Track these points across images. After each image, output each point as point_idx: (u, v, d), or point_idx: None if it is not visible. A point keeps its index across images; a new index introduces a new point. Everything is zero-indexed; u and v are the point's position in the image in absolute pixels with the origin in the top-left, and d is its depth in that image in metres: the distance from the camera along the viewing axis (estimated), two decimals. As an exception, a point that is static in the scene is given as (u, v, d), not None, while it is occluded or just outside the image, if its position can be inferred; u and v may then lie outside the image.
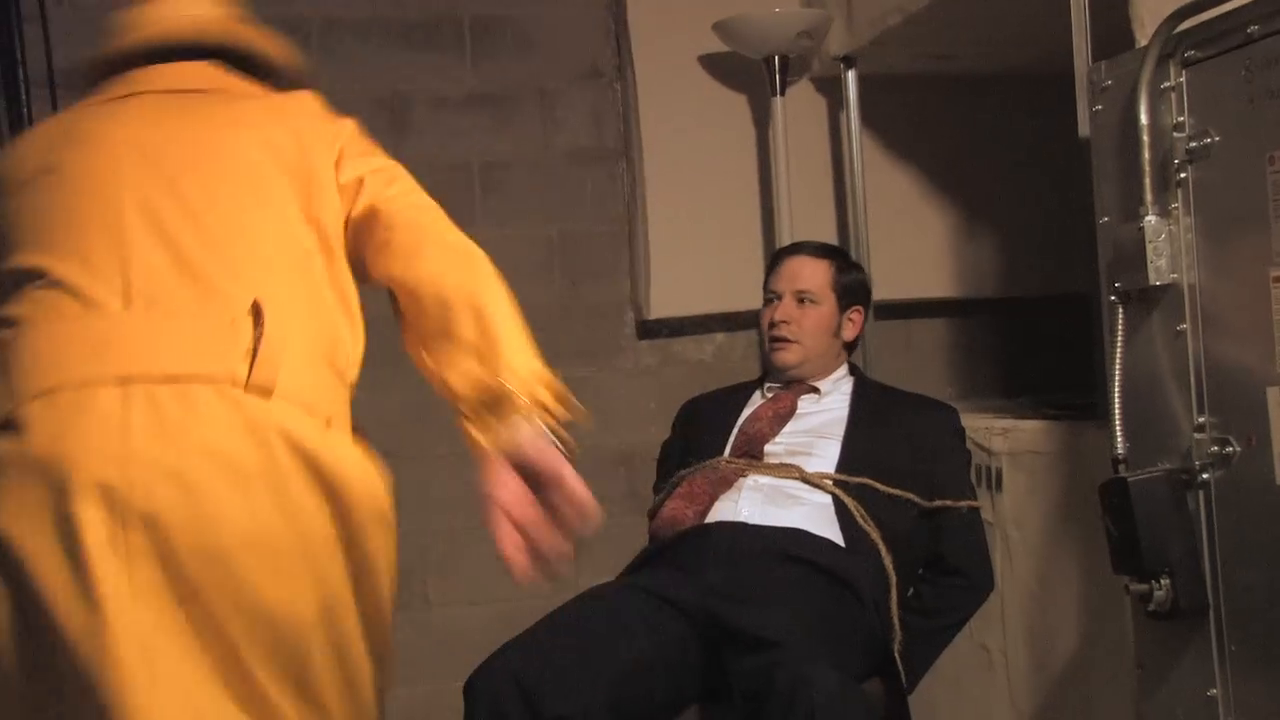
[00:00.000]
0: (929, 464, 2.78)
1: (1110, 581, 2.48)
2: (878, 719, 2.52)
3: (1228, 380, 2.15)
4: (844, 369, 2.98)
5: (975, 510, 2.82)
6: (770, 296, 3.00)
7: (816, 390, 2.90)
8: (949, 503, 2.75)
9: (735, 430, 2.87)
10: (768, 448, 2.78)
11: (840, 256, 3.10)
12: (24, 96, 3.76)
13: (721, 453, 2.81)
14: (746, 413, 2.92)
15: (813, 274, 2.95)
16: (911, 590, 2.75)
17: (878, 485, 2.69)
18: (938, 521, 2.76)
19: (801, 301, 2.92)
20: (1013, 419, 3.14)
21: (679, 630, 2.44)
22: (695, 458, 2.85)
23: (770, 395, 2.92)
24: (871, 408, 2.87)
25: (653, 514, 2.91)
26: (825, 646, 2.27)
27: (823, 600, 2.46)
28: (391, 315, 4.14)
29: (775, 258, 3.10)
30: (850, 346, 3.02)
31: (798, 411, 2.85)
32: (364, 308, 4.16)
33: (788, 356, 2.90)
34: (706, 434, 2.91)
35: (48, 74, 3.79)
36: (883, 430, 2.80)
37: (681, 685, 2.45)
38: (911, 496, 2.71)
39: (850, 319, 2.95)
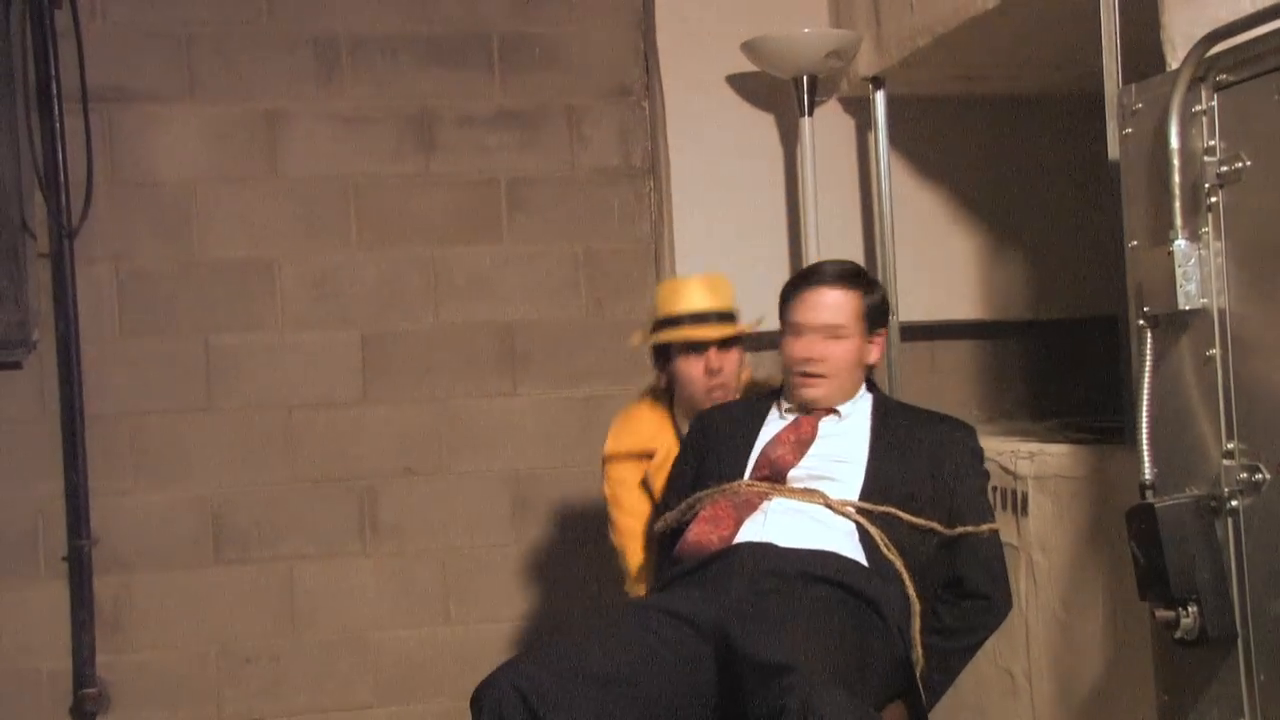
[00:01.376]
0: (949, 487, 2.71)
1: (1136, 608, 2.46)
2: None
3: (1258, 406, 2.12)
4: (863, 387, 2.91)
5: (994, 533, 2.75)
6: (794, 330, 2.82)
7: (837, 413, 2.86)
8: (970, 529, 2.70)
9: (756, 452, 2.80)
10: (791, 473, 2.74)
11: (863, 280, 2.87)
12: (57, 111, 3.80)
13: (741, 475, 2.77)
14: (766, 433, 2.84)
15: (840, 307, 2.78)
16: (931, 610, 2.72)
17: (901, 515, 2.64)
18: (958, 545, 2.71)
19: (830, 336, 2.78)
20: (1039, 443, 3.11)
21: (694, 651, 2.42)
22: (714, 479, 2.79)
23: (790, 419, 2.87)
24: (891, 428, 2.79)
25: (661, 534, 2.89)
26: (841, 670, 2.24)
27: (845, 622, 2.44)
28: (412, 330, 4.16)
29: (794, 286, 2.86)
30: (871, 366, 2.98)
31: (819, 434, 2.83)
32: (390, 321, 4.22)
33: (816, 393, 2.80)
34: (726, 453, 2.84)
35: (81, 88, 3.82)
36: (903, 452, 2.74)
37: (694, 706, 2.44)
38: (935, 526, 2.66)
39: (874, 343, 2.85)
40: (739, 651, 2.34)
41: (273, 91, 4.06)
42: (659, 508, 3.02)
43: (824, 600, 2.48)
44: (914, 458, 2.73)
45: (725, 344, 3.12)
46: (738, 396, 3.13)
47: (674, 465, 3.05)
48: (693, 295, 3.16)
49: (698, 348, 3.10)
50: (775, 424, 2.87)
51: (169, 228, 3.99)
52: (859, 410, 2.85)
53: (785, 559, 2.53)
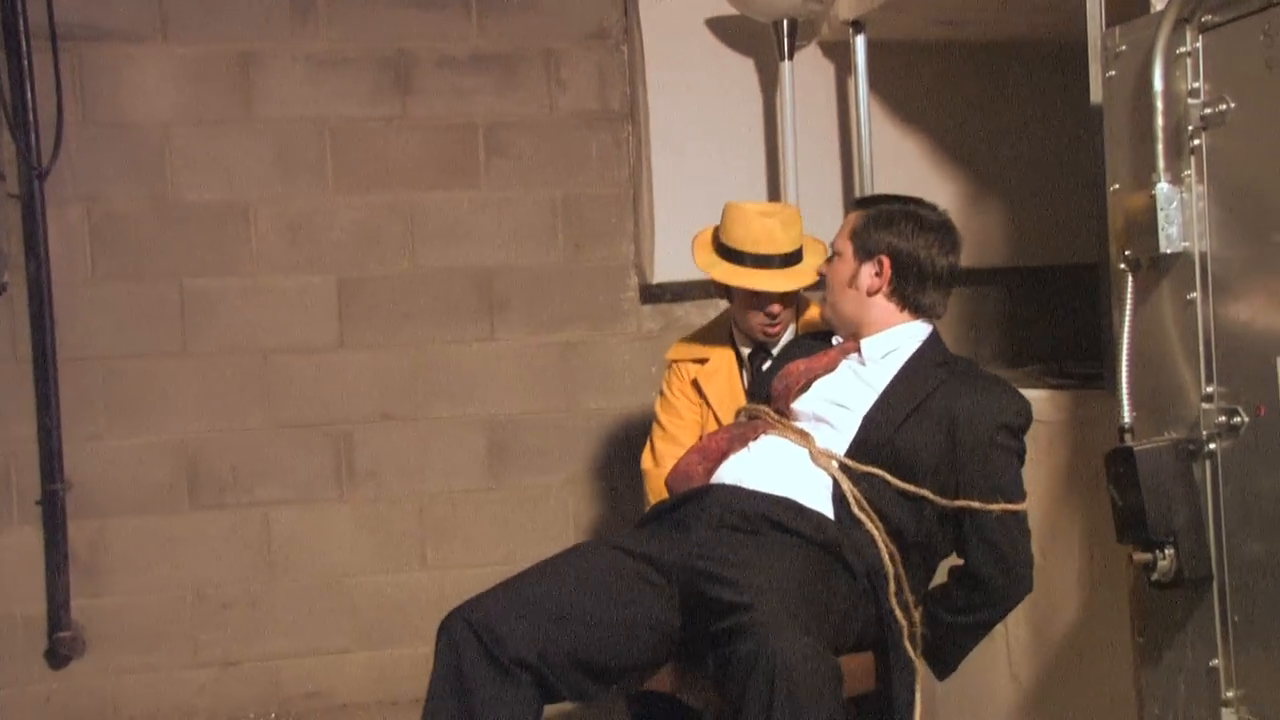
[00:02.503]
0: (960, 458, 2.49)
1: (1112, 552, 2.47)
2: (865, 690, 2.50)
3: (1237, 350, 2.13)
4: (905, 326, 2.66)
5: (1011, 513, 2.49)
6: None
7: (859, 352, 2.66)
8: (974, 505, 2.47)
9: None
10: (796, 405, 2.64)
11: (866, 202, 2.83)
12: (24, 48, 3.73)
13: (767, 397, 2.73)
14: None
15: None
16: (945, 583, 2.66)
17: (888, 478, 2.48)
18: (961, 522, 2.51)
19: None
20: (1019, 388, 3.11)
21: (657, 592, 2.43)
22: (756, 398, 2.79)
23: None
24: (914, 385, 2.56)
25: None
26: (799, 613, 2.22)
27: (806, 567, 2.40)
28: (389, 275, 4.12)
29: None
30: (893, 291, 2.64)
31: (844, 365, 2.66)
32: (366, 266, 4.18)
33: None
34: (775, 371, 2.80)
35: (50, 26, 3.76)
36: (917, 412, 2.53)
37: (656, 645, 2.44)
38: (926, 494, 2.48)
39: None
40: (700, 591, 2.34)
41: (247, 32, 4.00)
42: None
43: (786, 544, 2.44)
44: (930, 420, 2.52)
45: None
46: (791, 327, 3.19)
47: (755, 376, 3.09)
48: (760, 235, 3.11)
49: (759, 297, 3.14)
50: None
51: (142, 169, 3.94)
52: (897, 351, 2.63)
53: (749, 501, 2.51)
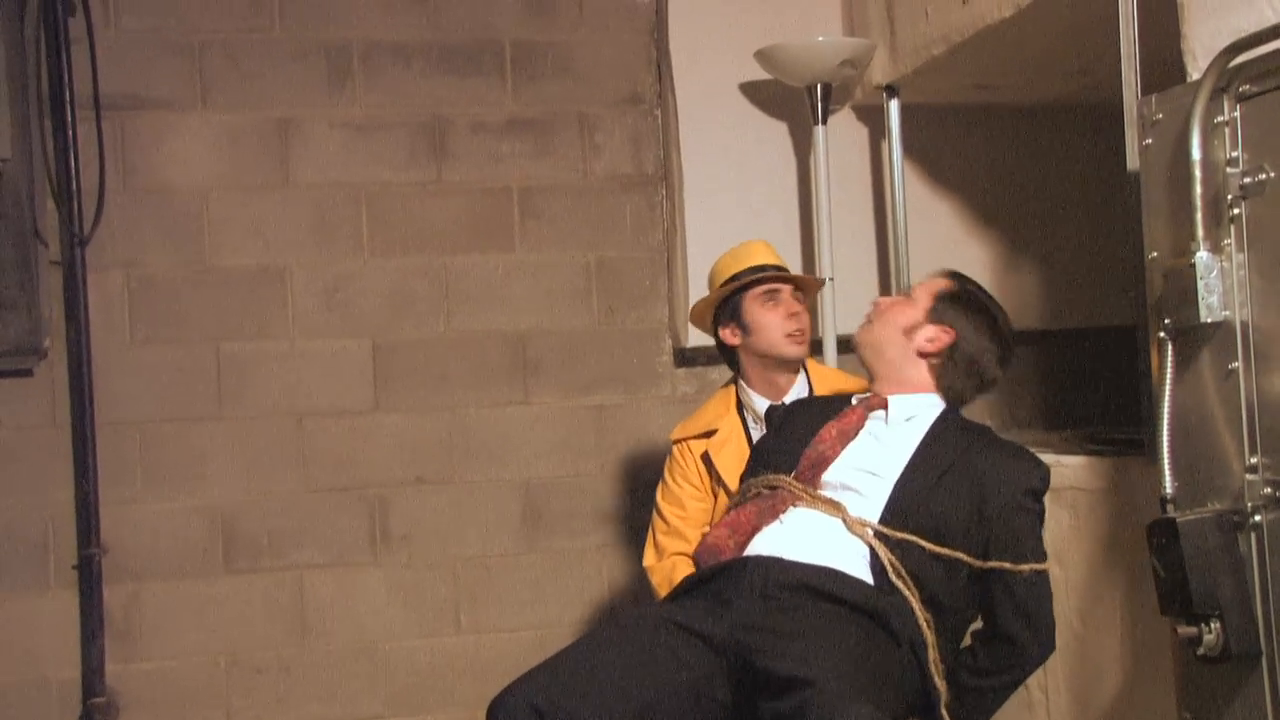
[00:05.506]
0: (990, 521, 2.53)
1: (1156, 622, 2.44)
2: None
3: (1281, 420, 2.10)
4: (929, 395, 2.72)
5: (1038, 574, 2.55)
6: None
7: (886, 405, 2.69)
8: (1006, 566, 2.51)
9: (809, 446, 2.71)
10: (825, 476, 2.64)
11: None
12: (70, 118, 3.80)
13: (792, 467, 2.68)
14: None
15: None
16: (970, 645, 2.65)
17: (923, 543, 2.50)
18: (991, 582, 2.54)
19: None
20: (1056, 454, 3.08)
21: (707, 666, 2.40)
22: (771, 465, 2.73)
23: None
24: (943, 447, 2.61)
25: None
26: (859, 682, 2.22)
27: (856, 636, 2.40)
28: (424, 339, 4.15)
29: None
30: (939, 365, 2.71)
31: (865, 431, 2.68)
32: (401, 330, 4.20)
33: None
34: (791, 439, 2.76)
35: (94, 96, 3.82)
36: (946, 476, 2.57)
37: (708, 718, 2.42)
38: (961, 556, 2.50)
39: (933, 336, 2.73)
40: (754, 665, 2.32)
41: (285, 99, 4.05)
42: (742, 475, 2.93)
43: (833, 614, 2.43)
44: (958, 484, 2.56)
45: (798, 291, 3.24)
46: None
47: (755, 444, 3.04)
48: (749, 254, 3.26)
49: (773, 294, 3.18)
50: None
51: (181, 235, 3.98)
52: (921, 420, 2.68)
53: (790, 572, 2.49)
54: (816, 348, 3.77)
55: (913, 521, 2.53)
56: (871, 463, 2.63)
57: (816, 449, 2.68)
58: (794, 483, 2.65)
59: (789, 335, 3.17)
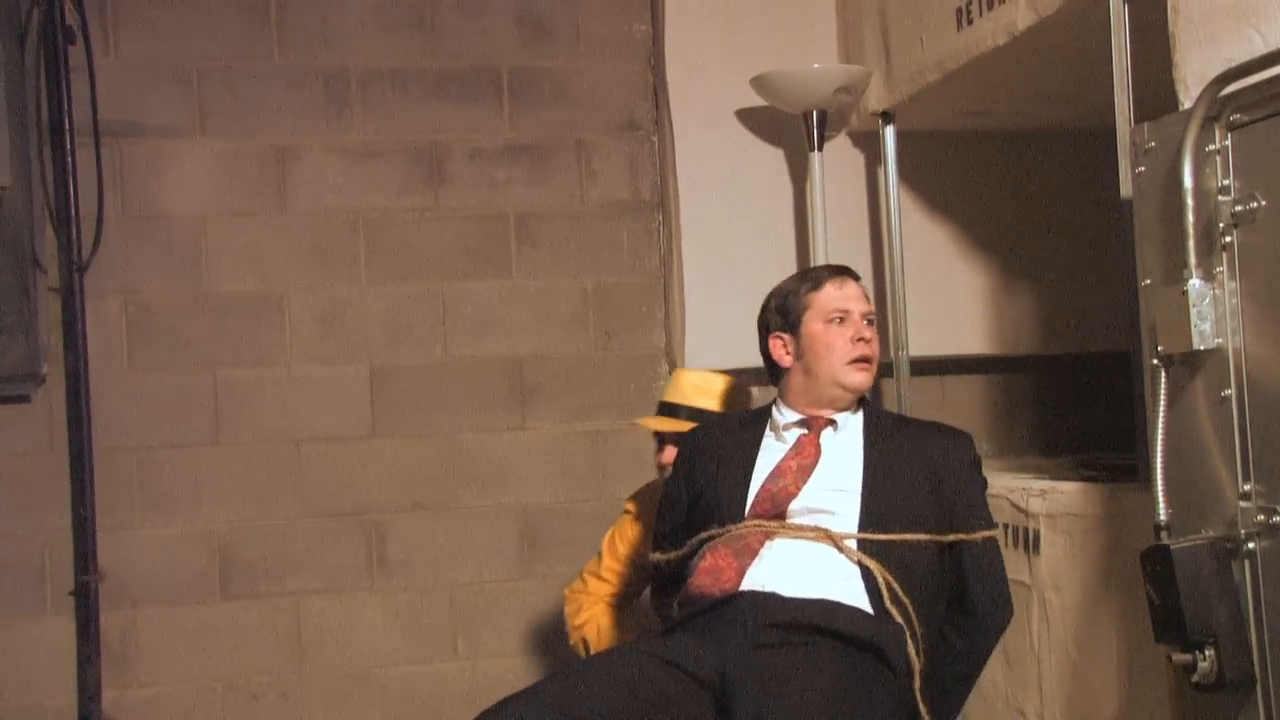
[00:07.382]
0: (950, 500, 2.66)
1: (1150, 649, 2.43)
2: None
3: (1274, 447, 2.11)
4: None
5: (990, 540, 2.68)
6: (840, 317, 2.75)
7: (834, 423, 2.74)
8: (964, 537, 2.64)
9: (756, 485, 2.69)
10: (791, 505, 2.63)
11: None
12: (69, 145, 3.81)
13: (741, 513, 2.66)
14: (764, 463, 2.73)
15: (868, 297, 2.83)
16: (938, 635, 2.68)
17: (907, 537, 2.59)
18: (957, 556, 2.65)
19: (869, 323, 2.77)
20: (1051, 480, 3.10)
21: (694, 704, 2.40)
22: (713, 519, 2.68)
23: (789, 441, 2.74)
24: (885, 444, 2.71)
25: (659, 569, 2.85)
26: None
27: (847, 676, 2.39)
28: (421, 364, 4.14)
29: (818, 281, 2.82)
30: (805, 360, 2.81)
31: (822, 453, 2.70)
32: (398, 356, 4.21)
33: (869, 379, 2.76)
34: (722, 486, 2.72)
35: (93, 123, 3.84)
36: (901, 470, 2.66)
37: None
38: (924, 537, 2.60)
39: None
40: (739, 708, 2.32)
41: (283, 126, 4.08)
42: (654, 532, 2.92)
43: (826, 653, 2.42)
44: (913, 473, 2.66)
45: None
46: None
47: (665, 486, 2.95)
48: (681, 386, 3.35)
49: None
50: (773, 451, 2.75)
51: (179, 262, 3.99)
52: (853, 424, 2.76)
53: (786, 609, 2.48)
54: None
55: (889, 521, 2.59)
56: (836, 481, 2.66)
57: (778, 483, 2.67)
58: (765, 522, 2.63)
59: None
